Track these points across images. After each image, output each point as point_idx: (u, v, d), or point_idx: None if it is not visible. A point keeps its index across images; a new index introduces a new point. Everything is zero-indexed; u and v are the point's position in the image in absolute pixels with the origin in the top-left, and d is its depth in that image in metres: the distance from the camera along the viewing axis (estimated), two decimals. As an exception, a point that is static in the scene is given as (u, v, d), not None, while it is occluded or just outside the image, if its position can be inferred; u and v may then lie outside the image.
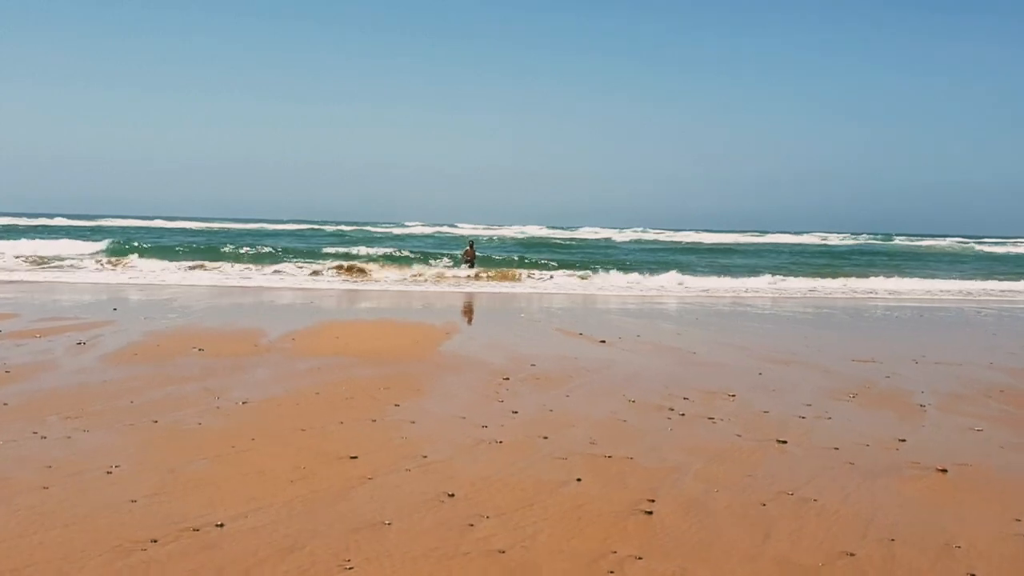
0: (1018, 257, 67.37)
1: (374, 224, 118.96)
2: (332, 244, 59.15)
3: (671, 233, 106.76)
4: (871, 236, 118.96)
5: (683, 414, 9.74)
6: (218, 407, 9.74)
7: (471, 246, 39.49)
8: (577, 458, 7.84)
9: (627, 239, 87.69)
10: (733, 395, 10.93)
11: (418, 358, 13.64)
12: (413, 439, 8.42)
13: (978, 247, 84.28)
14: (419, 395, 10.60)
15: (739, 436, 8.74)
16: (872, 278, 38.12)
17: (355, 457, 7.76)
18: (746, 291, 31.84)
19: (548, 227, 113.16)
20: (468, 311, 23.16)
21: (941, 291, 33.77)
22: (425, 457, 7.79)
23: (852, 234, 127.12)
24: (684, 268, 42.25)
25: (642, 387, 11.44)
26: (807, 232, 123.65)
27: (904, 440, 8.58)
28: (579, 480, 7.18)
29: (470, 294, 28.22)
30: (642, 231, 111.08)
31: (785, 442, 8.49)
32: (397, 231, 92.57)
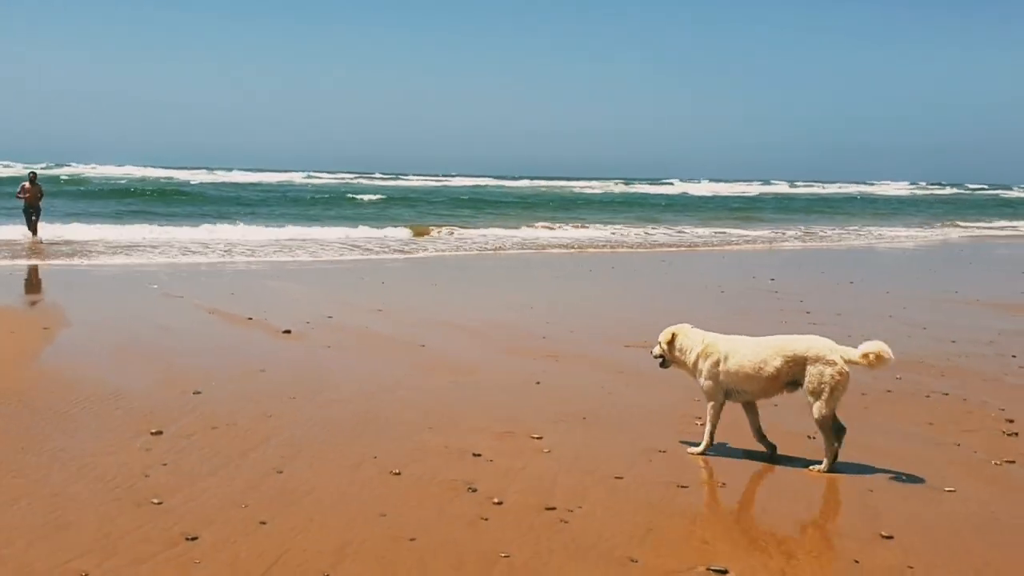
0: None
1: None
2: None
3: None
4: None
5: (572, 512, 5.51)
6: None
7: (32, 181, 25.08)
8: None
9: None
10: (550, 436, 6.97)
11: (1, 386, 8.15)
12: None
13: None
14: (-13, 503, 5.41)
15: None
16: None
17: None
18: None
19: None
20: (61, 285, 16.98)
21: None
22: None
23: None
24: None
25: (401, 431, 7.11)
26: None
27: None
28: None
29: (49, 257, 21.63)
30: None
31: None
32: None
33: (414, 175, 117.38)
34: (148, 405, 7.67)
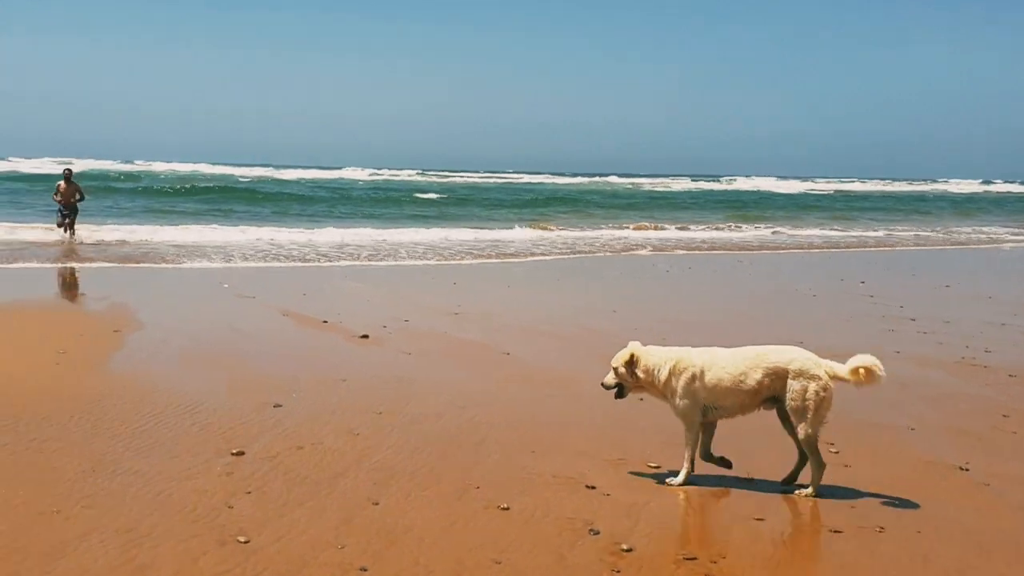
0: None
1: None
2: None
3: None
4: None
5: (716, 563, 4.83)
6: None
7: (67, 180, 23.17)
8: None
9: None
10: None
11: (57, 401, 7.62)
12: None
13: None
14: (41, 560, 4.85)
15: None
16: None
17: None
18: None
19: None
20: (129, 285, 16.69)
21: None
22: None
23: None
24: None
25: (501, 455, 6.42)
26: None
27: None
28: None
29: (119, 257, 21.40)
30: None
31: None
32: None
33: (471, 172, 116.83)
34: (226, 420, 7.13)
